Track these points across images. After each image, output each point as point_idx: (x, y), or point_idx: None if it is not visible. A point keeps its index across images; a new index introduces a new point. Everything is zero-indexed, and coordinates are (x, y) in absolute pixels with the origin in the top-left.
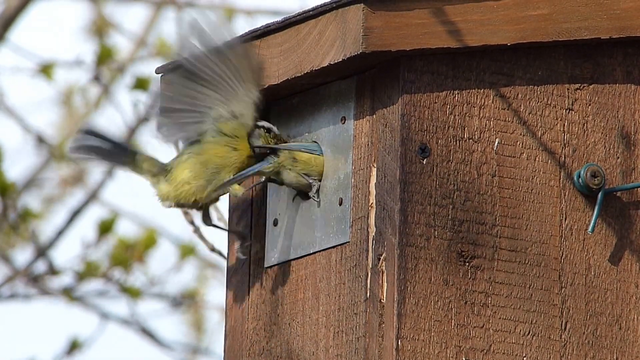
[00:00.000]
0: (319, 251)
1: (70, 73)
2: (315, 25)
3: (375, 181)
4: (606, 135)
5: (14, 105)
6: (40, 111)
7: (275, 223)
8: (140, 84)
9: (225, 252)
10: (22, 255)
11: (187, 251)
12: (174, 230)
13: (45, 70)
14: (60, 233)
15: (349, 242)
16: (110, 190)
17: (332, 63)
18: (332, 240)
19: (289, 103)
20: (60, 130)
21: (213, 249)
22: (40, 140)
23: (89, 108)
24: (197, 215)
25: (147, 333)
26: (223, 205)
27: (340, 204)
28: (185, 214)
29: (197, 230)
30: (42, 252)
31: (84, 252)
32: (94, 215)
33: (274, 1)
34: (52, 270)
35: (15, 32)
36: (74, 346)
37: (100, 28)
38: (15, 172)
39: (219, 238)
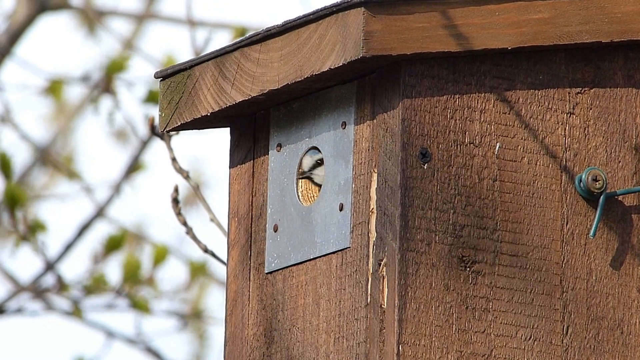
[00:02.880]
0: (320, 257)
1: (78, 88)
2: (316, 30)
3: (376, 186)
4: (607, 139)
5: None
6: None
7: (276, 229)
8: (153, 98)
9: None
10: (30, 268)
11: (197, 269)
12: (186, 249)
13: (54, 86)
14: (68, 247)
15: (349, 247)
16: (118, 206)
17: (332, 67)
18: (332, 245)
19: (289, 108)
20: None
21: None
22: (44, 153)
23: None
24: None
25: (153, 352)
26: (221, 208)
27: (340, 210)
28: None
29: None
30: (50, 266)
31: (93, 267)
32: (102, 231)
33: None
34: (61, 285)
35: (22, 47)
36: None
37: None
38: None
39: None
